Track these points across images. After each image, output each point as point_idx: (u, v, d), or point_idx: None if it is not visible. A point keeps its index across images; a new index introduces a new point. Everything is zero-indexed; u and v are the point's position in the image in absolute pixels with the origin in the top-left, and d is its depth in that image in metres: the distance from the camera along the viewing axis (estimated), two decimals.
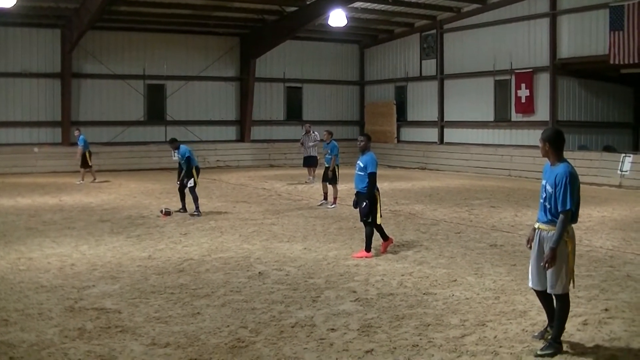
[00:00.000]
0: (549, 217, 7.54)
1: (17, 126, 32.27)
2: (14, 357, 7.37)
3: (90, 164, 26.86)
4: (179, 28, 35.29)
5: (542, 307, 9.03)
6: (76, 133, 27.82)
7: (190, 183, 18.17)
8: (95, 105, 34.20)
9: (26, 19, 31.16)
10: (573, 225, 7.55)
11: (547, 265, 7.38)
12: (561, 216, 7.35)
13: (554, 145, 7.61)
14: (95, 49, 33.81)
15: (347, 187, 21.78)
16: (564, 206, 7.33)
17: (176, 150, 18.85)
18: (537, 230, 7.76)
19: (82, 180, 26.59)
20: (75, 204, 20.42)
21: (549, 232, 7.52)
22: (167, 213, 17.92)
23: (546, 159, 7.72)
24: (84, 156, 26.72)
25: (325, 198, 20.32)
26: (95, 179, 26.85)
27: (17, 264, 12.01)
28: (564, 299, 7.52)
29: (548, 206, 7.54)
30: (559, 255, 7.37)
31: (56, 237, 14.79)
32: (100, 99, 34.31)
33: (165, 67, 35.50)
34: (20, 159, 31.39)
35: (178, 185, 18.71)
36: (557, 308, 7.59)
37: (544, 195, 7.62)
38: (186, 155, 18.29)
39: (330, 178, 20.20)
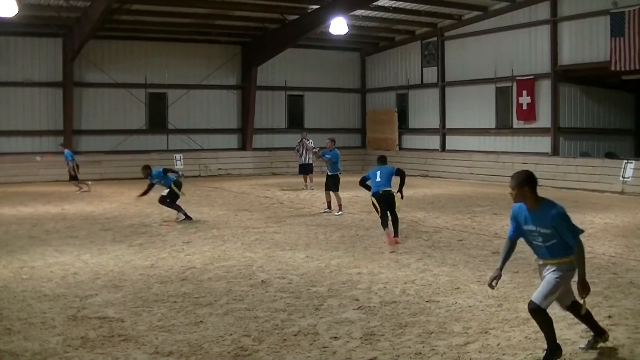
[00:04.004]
0: (554, 254, 7.44)
1: (19, 135, 32.31)
2: None
3: (76, 176, 26.85)
4: (181, 37, 35.34)
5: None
6: (61, 148, 27.75)
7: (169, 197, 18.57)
8: (97, 114, 34.24)
9: (28, 28, 31.21)
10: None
11: (584, 294, 7.49)
12: (577, 249, 7.35)
13: (532, 186, 7.40)
14: (97, 57, 33.86)
15: (349, 195, 21.77)
16: (576, 239, 7.31)
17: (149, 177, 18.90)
18: (543, 266, 7.63)
19: (80, 188, 26.58)
20: (77, 213, 20.44)
21: (552, 266, 7.48)
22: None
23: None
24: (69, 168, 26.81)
25: (329, 207, 20.34)
26: (81, 189, 26.81)
27: (20, 272, 12.02)
28: (542, 314, 7.42)
29: (549, 244, 7.42)
30: (561, 276, 7.42)
31: (59, 245, 14.80)
32: (102, 107, 34.36)
33: (166, 76, 35.54)
34: (23, 168, 31.41)
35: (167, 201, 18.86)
36: (537, 324, 7.59)
37: (540, 239, 7.45)
38: (156, 180, 18.69)
39: (332, 185, 20.22)
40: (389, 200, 15.22)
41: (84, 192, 26.05)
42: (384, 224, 15.16)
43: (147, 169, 19.09)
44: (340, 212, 19.84)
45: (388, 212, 15.22)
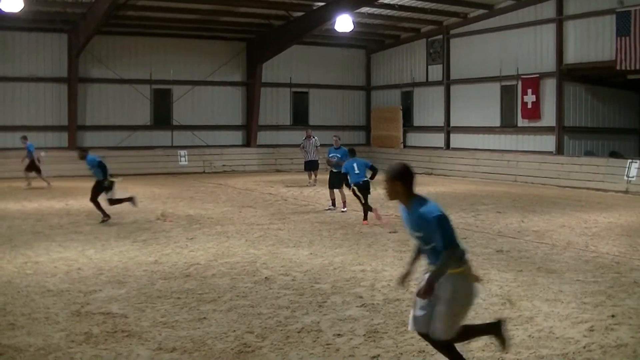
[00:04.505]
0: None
1: (24, 130, 32.24)
2: None
3: (35, 169, 26.69)
4: (186, 33, 35.31)
5: (549, 313, 9.05)
6: (24, 140, 27.26)
7: (110, 195, 17.85)
8: (101, 110, 34.27)
9: (33, 23, 31.21)
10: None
11: (422, 294, 6.46)
12: (445, 255, 6.32)
13: (406, 181, 6.55)
14: (102, 53, 33.88)
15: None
16: (445, 244, 6.30)
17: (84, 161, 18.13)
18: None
19: (29, 184, 26.38)
20: (81, 208, 20.43)
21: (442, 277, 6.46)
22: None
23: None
24: (33, 162, 26.62)
25: (333, 204, 20.34)
26: (30, 185, 26.51)
27: (24, 268, 12.03)
28: (449, 345, 6.76)
29: (431, 249, 6.50)
30: (442, 294, 6.44)
31: (63, 241, 14.81)
32: (106, 103, 34.38)
33: (171, 72, 35.56)
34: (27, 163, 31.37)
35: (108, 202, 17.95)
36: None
37: (423, 243, 6.56)
38: (97, 161, 17.87)
39: (336, 183, 20.20)
40: (368, 188, 18.27)
41: (49, 187, 25.82)
42: (369, 209, 17.79)
43: (83, 151, 18.52)
44: (344, 209, 19.84)
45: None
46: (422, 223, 6.39)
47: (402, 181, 6.52)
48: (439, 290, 6.43)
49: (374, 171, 18.16)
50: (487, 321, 7.93)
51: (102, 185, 17.84)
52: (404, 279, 6.93)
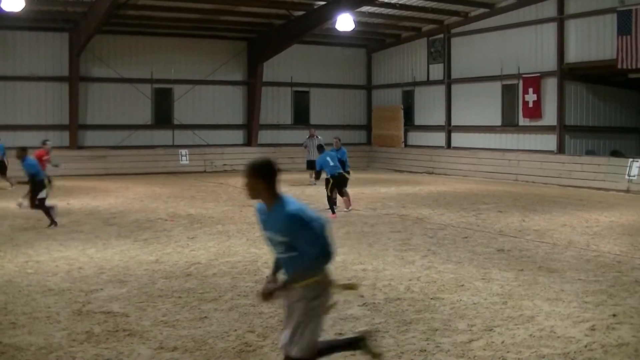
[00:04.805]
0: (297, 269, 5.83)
1: (25, 129, 32.29)
2: None
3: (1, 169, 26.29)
4: (187, 32, 35.31)
5: (550, 312, 9.05)
6: None
7: (43, 194, 17.11)
8: (102, 109, 34.26)
9: (34, 22, 31.20)
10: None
11: (263, 298, 5.95)
12: (310, 261, 5.70)
13: (268, 179, 5.90)
14: (103, 52, 33.88)
15: (353, 192, 21.75)
16: (316, 250, 5.67)
17: (22, 161, 17.38)
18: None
19: (12, 185, 25.61)
20: (82, 207, 20.46)
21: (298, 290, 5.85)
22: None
23: None
24: (2, 163, 26.29)
25: (335, 204, 20.28)
26: (12, 185, 25.63)
27: (25, 267, 12.04)
28: None
29: (291, 257, 5.82)
30: (311, 307, 5.83)
31: (64, 240, 14.81)
32: (107, 102, 34.37)
33: (172, 71, 35.54)
34: None
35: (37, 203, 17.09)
36: None
37: (281, 249, 5.84)
38: (25, 166, 17.28)
39: (338, 185, 20.15)
40: (344, 179, 19.74)
41: (13, 189, 25.05)
42: (333, 206, 19.17)
43: (23, 150, 17.65)
44: (350, 208, 19.82)
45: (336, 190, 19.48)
46: (288, 225, 5.67)
47: (264, 178, 5.87)
48: (295, 303, 5.87)
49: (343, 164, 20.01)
50: (351, 335, 7.51)
51: (38, 188, 17.08)
52: (269, 294, 5.94)
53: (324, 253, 5.70)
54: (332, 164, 19.48)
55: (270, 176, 5.88)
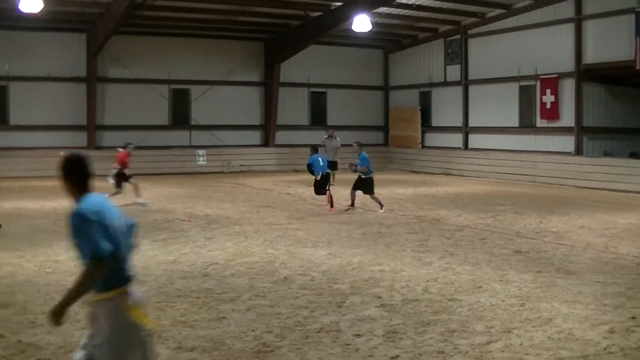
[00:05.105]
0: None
1: (43, 130, 32.46)
2: (41, 359, 7.43)
3: None
4: (204, 33, 35.36)
5: (568, 314, 9.02)
6: None
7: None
8: (119, 109, 34.33)
9: (52, 23, 31.31)
10: None
11: (50, 319, 5.13)
12: (86, 265, 4.99)
13: (73, 176, 5.28)
14: (120, 53, 33.94)
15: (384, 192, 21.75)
16: (91, 253, 4.96)
17: None
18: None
19: None
20: None
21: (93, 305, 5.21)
22: None
23: None
24: None
25: (352, 204, 20.25)
26: None
27: (44, 266, 12.11)
28: None
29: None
30: (107, 334, 5.08)
31: None
32: (124, 103, 34.42)
33: (189, 72, 35.60)
34: (46, 163, 31.46)
35: None
36: None
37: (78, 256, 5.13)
38: None
39: (368, 188, 20.12)
40: (329, 178, 22.01)
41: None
42: (317, 193, 21.62)
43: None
44: (382, 210, 19.77)
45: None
46: (69, 225, 5.06)
47: (69, 175, 5.25)
48: (97, 321, 5.14)
49: (332, 165, 23.26)
50: None
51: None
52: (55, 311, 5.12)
53: (93, 257, 4.91)
54: (321, 164, 21.76)
55: (75, 173, 5.27)
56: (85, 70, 32.99)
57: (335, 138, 29.03)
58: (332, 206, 20.40)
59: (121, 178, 21.18)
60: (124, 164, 21.34)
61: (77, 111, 33.11)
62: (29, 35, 32.04)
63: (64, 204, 20.72)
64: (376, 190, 20.45)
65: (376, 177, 20.76)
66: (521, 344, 7.88)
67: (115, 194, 19.91)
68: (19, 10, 25.67)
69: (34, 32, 31.88)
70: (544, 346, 7.84)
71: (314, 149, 23.64)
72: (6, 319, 8.96)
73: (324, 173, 21.62)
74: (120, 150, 22.34)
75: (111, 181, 20.83)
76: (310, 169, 22.25)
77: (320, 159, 22.03)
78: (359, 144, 21.54)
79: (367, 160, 20.12)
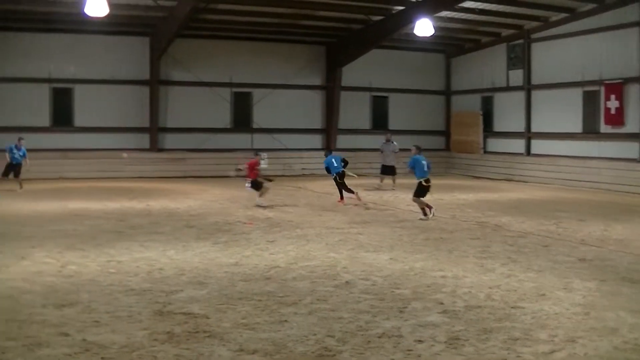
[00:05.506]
0: None
1: (107, 132, 32.90)
2: (105, 358, 7.51)
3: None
4: (266, 36, 35.54)
5: (634, 325, 8.85)
6: (22, 142, 26.17)
7: None
8: (182, 112, 34.62)
9: (116, 27, 31.70)
10: None
11: None
12: None
13: None
14: (183, 56, 34.23)
15: (432, 198, 21.60)
16: None
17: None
18: None
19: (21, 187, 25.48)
20: (162, 209, 20.72)
21: None
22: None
23: None
24: (20, 166, 25.96)
25: (425, 214, 19.76)
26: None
27: (107, 266, 12.25)
28: None
29: None
30: None
31: (144, 241, 15.02)
32: (187, 105, 34.70)
33: (251, 75, 35.76)
34: (109, 164, 31.95)
35: None
36: None
37: None
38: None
39: (414, 190, 19.88)
40: (344, 176, 23.45)
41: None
42: (350, 191, 23.03)
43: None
44: (424, 217, 19.46)
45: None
46: None
47: None
48: None
49: (345, 163, 23.73)
50: None
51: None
52: None
53: None
54: (335, 165, 23.46)
55: None
56: (149, 73, 33.37)
57: (393, 142, 28.96)
58: (342, 198, 23.26)
59: (256, 185, 22.16)
60: (253, 170, 21.83)
61: (140, 113, 33.50)
62: (94, 39, 32.51)
63: (127, 205, 21.10)
64: (436, 196, 20.26)
65: (437, 182, 20.67)
66: (586, 354, 7.76)
67: (262, 194, 22.22)
68: (85, 14, 26.00)
69: (99, 35, 32.33)
70: (610, 356, 7.71)
71: (329, 151, 25.71)
72: (71, 317, 9.07)
73: (340, 172, 23.40)
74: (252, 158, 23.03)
75: (249, 188, 22.28)
76: (328, 170, 23.85)
77: (333, 160, 23.68)
78: (417, 148, 21.26)
79: (416, 162, 19.68)
